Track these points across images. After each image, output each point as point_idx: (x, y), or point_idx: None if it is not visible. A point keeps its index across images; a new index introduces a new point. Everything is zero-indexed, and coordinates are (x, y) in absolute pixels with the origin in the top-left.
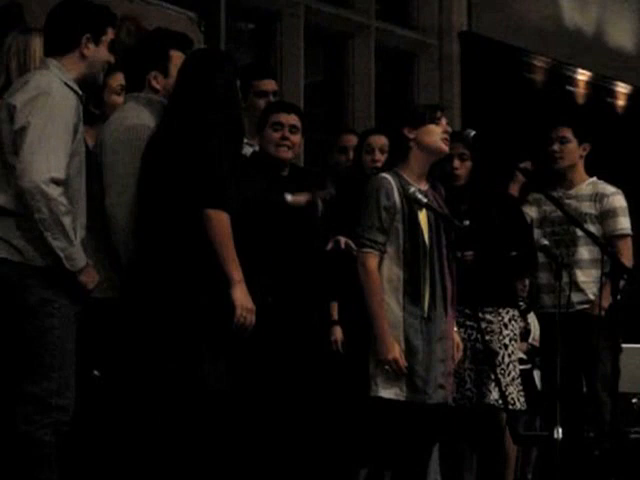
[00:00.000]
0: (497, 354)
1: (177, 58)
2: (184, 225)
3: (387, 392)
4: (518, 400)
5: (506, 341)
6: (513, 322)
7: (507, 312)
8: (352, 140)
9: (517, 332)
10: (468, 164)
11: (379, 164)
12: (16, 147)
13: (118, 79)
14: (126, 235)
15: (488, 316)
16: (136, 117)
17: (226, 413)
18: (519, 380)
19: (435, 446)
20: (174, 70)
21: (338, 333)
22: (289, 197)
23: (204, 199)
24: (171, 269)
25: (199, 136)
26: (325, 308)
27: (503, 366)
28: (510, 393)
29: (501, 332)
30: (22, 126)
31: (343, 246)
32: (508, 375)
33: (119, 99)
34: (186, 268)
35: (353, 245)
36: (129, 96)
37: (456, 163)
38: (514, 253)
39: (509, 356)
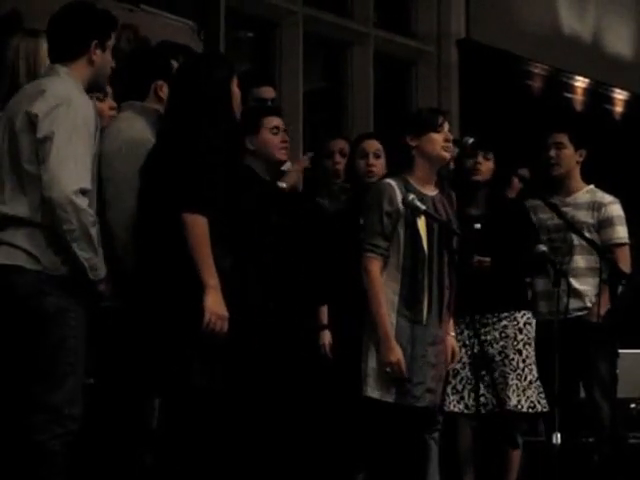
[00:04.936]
0: (512, 359)
1: None
2: (170, 229)
3: (377, 393)
4: (539, 402)
5: (520, 346)
6: (528, 326)
7: (523, 315)
8: (338, 144)
9: (532, 336)
10: (490, 165)
11: (374, 168)
12: (38, 156)
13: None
14: (127, 246)
15: (504, 321)
16: (133, 127)
17: (221, 413)
18: (538, 382)
19: (435, 450)
20: None
21: (327, 337)
22: (283, 185)
23: (180, 202)
24: (157, 273)
25: (184, 139)
26: (315, 312)
27: (519, 371)
28: (529, 397)
29: (515, 337)
30: (46, 136)
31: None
32: (525, 379)
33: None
34: (174, 273)
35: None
36: (126, 105)
37: (480, 159)
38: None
39: (524, 361)
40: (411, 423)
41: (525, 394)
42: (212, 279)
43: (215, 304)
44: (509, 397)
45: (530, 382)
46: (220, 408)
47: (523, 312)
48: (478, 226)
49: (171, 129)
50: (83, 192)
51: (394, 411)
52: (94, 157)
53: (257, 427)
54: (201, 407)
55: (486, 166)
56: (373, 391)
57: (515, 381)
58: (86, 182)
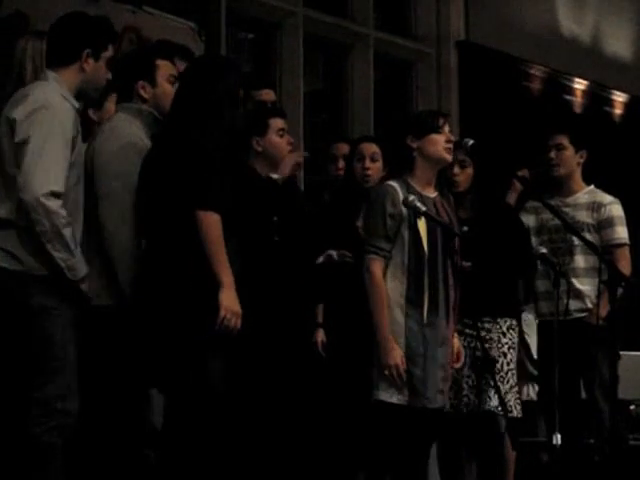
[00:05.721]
0: (496, 361)
1: (164, 67)
2: (182, 228)
3: (389, 396)
4: (515, 408)
5: (504, 349)
6: (511, 331)
7: (505, 321)
8: (342, 149)
9: (515, 340)
10: (469, 171)
11: (369, 172)
12: (17, 160)
13: None
14: (120, 245)
15: (487, 325)
16: (127, 128)
17: (228, 414)
18: (516, 388)
19: (433, 451)
20: (161, 79)
21: (320, 335)
22: (275, 176)
23: (195, 200)
24: (173, 272)
25: (194, 141)
26: (312, 311)
27: (502, 374)
28: (508, 400)
29: (499, 340)
30: (22, 139)
31: (337, 258)
32: (507, 383)
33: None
34: (187, 270)
35: (347, 253)
36: (119, 106)
37: (456, 170)
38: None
39: (507, 364)
40: (422, 425)
41: (505, 397)
42: (227, 276)
43: (230, 301)
44: (489, 398)
45: (511, 387)
46: (228, 408)
47: (505, 319)
48: (465, 229)
49: (177, 129)
50: (55, 194)
51: (407, 413)
52: (75, 160)
53: (259, 426)
54: (212, 407)
55: (464, 176)
56: (385, 394)
57: (498, 383)
58: (58, 185)
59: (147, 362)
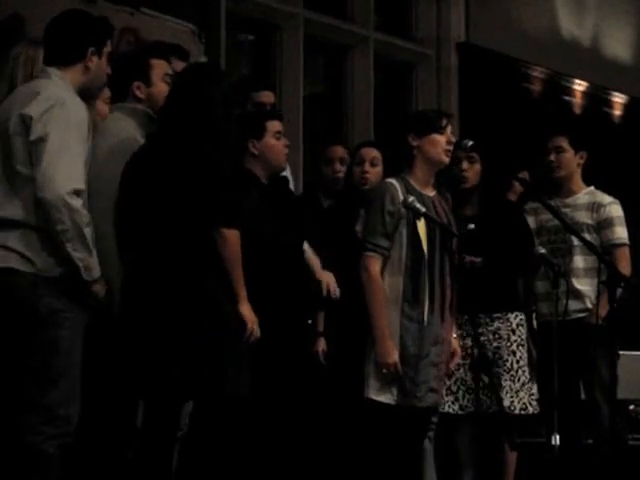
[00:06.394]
0: (506, 360)
1: (158, 66)
2: (193, 238)
3: (379, 395)
4: (530, 404)
5: (514, 347)
6: (521, 327)
7: (515, 316)
8: (338, 151)
9: (524, 337)
10: (477, 167)
11: (367, 176)
12: (31, 158)
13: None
14: (110, 244)
15: (496, 322)
16: (122, 128)
17: (245, 418)
18: (530, 384)
19: (430, 449)
20: (156, 78)
21: (322, 344)
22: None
23: (217, 219)
24: (183, 282)
25: (204, 155)
26: (313, 317)
27: (512, 372)
28: (521, 398)
29: (509, 338)
30: (40, 137)
31: (325, 293)
32: (518, 381)
33: (106, 108)
34: (197, 281)
35: (337, 291)
36: (115, 106)
37: (465, 165)
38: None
39: (517, 362)
40: (412, 423)
41: (518, 395)
42: (244, 291)
43: (250, 313)
44: (489, 398)
45: (523, 384)
46: (247, 411)
47: (515, 313)
48: (472, 226)
49: (175, 135)
50: (77, 192)
51: (396, 412)
52: (87, 158)
53: (259, 433)
54: (229, 413)
55: (473, 171)
56: (374, 392)
57: (508, 382)
58: (80, 183)
59: (142, 371)
